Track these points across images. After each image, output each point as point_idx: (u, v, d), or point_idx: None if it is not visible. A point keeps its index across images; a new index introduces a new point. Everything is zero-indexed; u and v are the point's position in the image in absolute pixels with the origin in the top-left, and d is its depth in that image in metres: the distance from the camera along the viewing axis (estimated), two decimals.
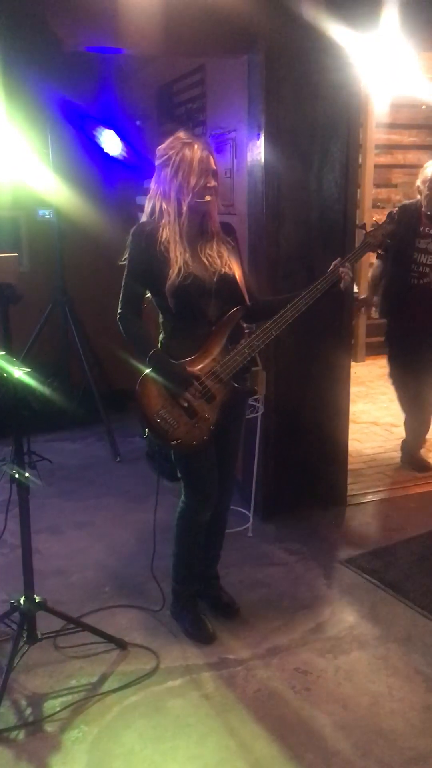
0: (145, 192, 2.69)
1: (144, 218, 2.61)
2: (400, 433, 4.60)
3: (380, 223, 2.82)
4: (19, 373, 2.33)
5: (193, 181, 2.47)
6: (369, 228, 2.81)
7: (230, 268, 2.58)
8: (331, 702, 2.47)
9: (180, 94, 4.49)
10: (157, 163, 2.56)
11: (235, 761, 2.21)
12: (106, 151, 4.73)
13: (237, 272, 2.60)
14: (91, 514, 3.91)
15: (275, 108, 3.40)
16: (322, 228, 3.60)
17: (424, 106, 6.89)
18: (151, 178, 2.60)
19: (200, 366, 2.57)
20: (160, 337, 2.68)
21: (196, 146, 2.49)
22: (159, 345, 2.65)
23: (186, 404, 2.55)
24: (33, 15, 3.10)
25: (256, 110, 3.46)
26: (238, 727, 2.35)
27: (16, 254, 2.50)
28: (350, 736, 2.32)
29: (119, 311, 2.62)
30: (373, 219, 2.88)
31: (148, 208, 2.60)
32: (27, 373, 2.33)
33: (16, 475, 2.43)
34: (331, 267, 2.68)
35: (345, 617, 2.96)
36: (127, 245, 2.58)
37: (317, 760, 2.22)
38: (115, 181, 5.20)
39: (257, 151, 3.47)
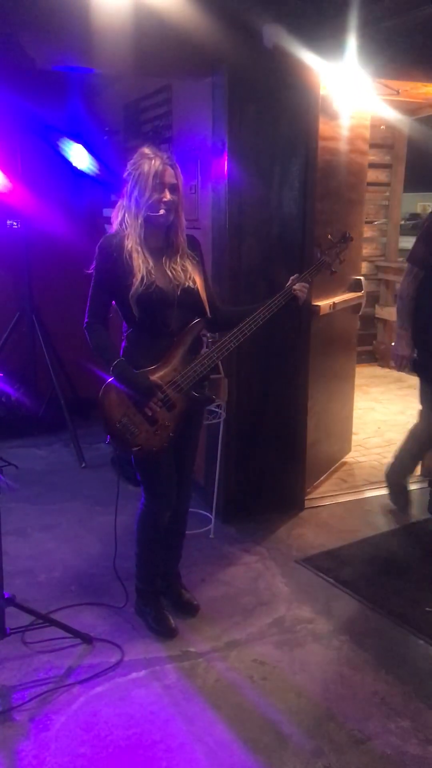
0: (112, 204, 2.82)
1: (114, 227, 2.72)
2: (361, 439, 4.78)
3: (334, 241, 2.98)
4: None
5: (147, 194, 2.58)
6: (324, 246, 2.97)
7: (193, 282, 2.70)
8: (287, 690, 2.62)
9: (147, 111, 4.64)
10: (124, 176, 2.69)
11: (196, 744, 2.34)
12: (74, 164, 4.85)
13: (200, 286, 2.72)
14: (57, 518, 4.01)
15: (238, 128, 3.57)
16: (281, 243, 3.77)
17: (382, 126, 7.17)
18: (117, 190, 2.73)
19: (161, 375, 2.68)
20: (123, 345, 2.78)
21: (154, 161, 2.59)
22: (122, 353, 2.75)
23: (149, 413, 2.67)
24: (5, 33, 3.23)
25: (220, 129, 3.62)
26: (199, 713, 2.49)
27: None
28: (304, 720, 2.47)
29: (86, 321, 2.72)
30: (328, 237, 3.03)
31: (116, 218, 2.71)
32: (0, 379, 2.44)
33: None
34: (288, 283, 2.84)
35: (301, 613, 3.11)
36: (95, 256, 2.69)
37: (273, 742, 2.36)
38: (82, 193, 5.33)
39: (221, 168, 3.64)
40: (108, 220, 2.82)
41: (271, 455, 4.01)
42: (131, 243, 2.62)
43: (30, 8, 3.02)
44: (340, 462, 4.81)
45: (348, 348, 4.74)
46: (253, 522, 3.93)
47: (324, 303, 4.03)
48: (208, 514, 3.88)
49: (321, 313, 3.97)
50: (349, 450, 4.96)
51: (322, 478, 4.49)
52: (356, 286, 4.55)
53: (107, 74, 4.56)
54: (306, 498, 4.18)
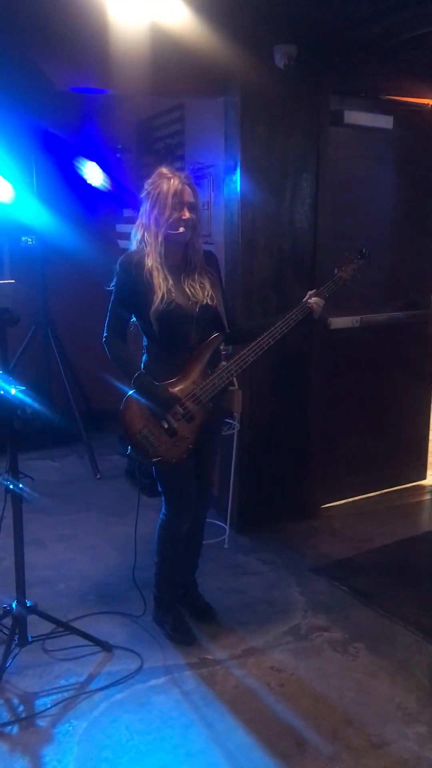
0: (125, 220, 2.89)
1: (132, 246, 2.79)
2: None
3: (350, 257, 3.04)
4: (15, 390, 2.51)
5: (166, 213, 2.65)
6: (340, 262, 3.03)
7: (212, 299, 2.76)
8: (304, 696, 2.66)
9: (159, 129, 4.73)
10: (141, 195, 2.77)
11: (216, 749, 2.39)
12: (87, 181, 4.94)
13: (218, 302, 2.79)
14: (74, 528, 4.07)
15: (250, 145, 3.66)
16: (293, 257, 3.85)
17: None
18: (130, 207, 2.80)
19: (181, 388, 2.75)
20: (143, 359, 2.85)
21: (173, 180, 2.66)
22: (142, 367, 2.82)
23: (167, 425, 2.74)
24: (25, 57, 3.33)
25: (233, 147, 3.70)
26: (218, 719, 2.53)
27: (13, 281, 2.68)
28: (321, 726, 2.51)
29: (105, 335, 2.79)
30: (345, 254, 3.09)
31: (134, 237, 2.78)
32: (22, 391, 2.51)
33: (11, 486, 2.60)
34: (305, 298, 2.90)
35: (316, 621, 3.15)
36: (115, 273, 2.76)
37: (290, 747, 2.41)
38: (96, 209, 5.42)
39: (233, 185, 3.72)
40: (121, 236, 2.88)
41: (284, 464, 4.07)
42: (151, 261, 2.68)
43: (49, 33, 3.12)
44: (413, 484, 4.71)
45: (404, 367, 4.53)
46: (268, 532, 3.98)
47: (340, 319, 4.07)
48: (222, 524, 3.93)
49: (331, 327, 4.02)
50: (424, 475, 4.78)
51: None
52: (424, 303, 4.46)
53: (121, 94, 4.65)
54: (320, 507, 4.23)
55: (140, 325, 2.78)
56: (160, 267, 2.68)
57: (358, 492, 4.47)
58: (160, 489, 2.94)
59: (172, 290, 2.68)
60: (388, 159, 4.16)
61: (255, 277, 3.78)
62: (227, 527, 3.90)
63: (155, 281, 2.66)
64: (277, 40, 3.51)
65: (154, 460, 2.76)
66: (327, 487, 4.30)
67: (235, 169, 3.68)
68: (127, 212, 5.00)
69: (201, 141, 4.13)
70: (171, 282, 2.69)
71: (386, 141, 4.11)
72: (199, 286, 2.75)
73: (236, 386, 3.60)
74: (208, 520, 3.25)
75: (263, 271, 3.79)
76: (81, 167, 4.94)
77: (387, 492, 4.44)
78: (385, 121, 4.04)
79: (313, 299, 2.88)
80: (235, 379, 3.52)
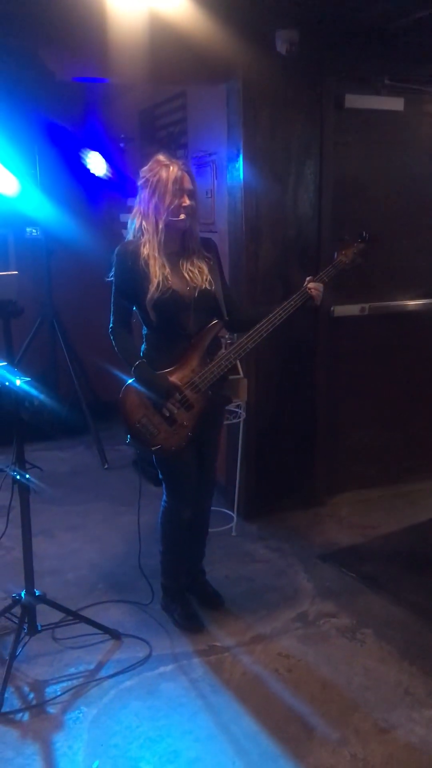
0: (129, 210, 2.88)
1: (129, 236, 2.79)
2: None
3: (351, 241, 3.03)
4: (20, 382, 2.53)
5: (167, 200, 2.64)
6: (340, 246, 3.02)
7: (210, 284, 2.76)
8: (312, 682, 2.68)
9: (162, 117, 4.72)
10: (138, 184, 2.75)
11: (224, 735, 2.41)
12: (91, 171, 4.93)
13: (216, 288, 2.79)
14: (82, 518, 4.09)
15: (253, 132, 3.64)
16: (297, 245, 3.83)
17: None
18: (134, 196, 2.80)
19: (179, 376, 2.75)
20: (143, 348, 2.86)
21: (172, 167, 2.66)
22: (141, 355, 2.82)
23: (167, 413, 2.74)
24: (25, 48, 3.32)
25: (235, 134, 3.69)
26: (226, 706, 2.55)
27: (16, 272, 2.69)
28: (329, 711, 2.52)
29: (110, 326, 2.81)
30: (345, 237, 3.07)
31: (131, 226, 2.78)
32: (28, 382, 2.52)
33: (17, 476, 2.62)
34: (304, 284, 2.90)
35: (324, 607, 3.17)
36: (113, 264, 2.76)
37: (299, 732, 2.42)
38: (100, 199, 5.42)
39: (236, 172, 3.70)
40: (125, 226, 2.88)
41: (290, 452, 4.07)
42: (148, 249, 2.68)
43: (50, 24, 3.10)
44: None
45: (417, 357, 4.42)
46: (275, 519, 3.99)
47: (344, 307, 4.05)
48: (230, 512, 3.94)
49: (335, 315, 4.01)
50: None
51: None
52: None
53: (122, 82, 4.64)
54: (327, 494, 4.23)
55: (139, 314, 2.79)
56: (157, 255, 2.67)
57: (368, 484, 4.42)
58: (160, 477, 2.95)
59: (169, 277, 2.68)
60: (398, 142, 4.08)
61: (259, 265, 3.77)
62: (234, 515, 3.92)
63: (151, 270, 2.66)
64: (278, 25, 3.49)
65: (154, 448, 2.77)
66: (334, 476, 4.29)
67: (238, 157, 3.67)
68: (131, 202, 4.99)
69: (204, 129, 4.11)
70: (168, 269, 2.69)
71: (396, 123, 4.03)
72: (198, 271, 2.75)
73: (241, 375, 3.63)
74: (215, 508, 3.27)
75: (267, 259, 3.78)
76: (84, 158, 4.94)
77: (398, 484, 4.42)
78: (395, 103, 3.98)
79: (312, 284, 2.87)
80: (240, 367, 3.55)
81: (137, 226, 2.74)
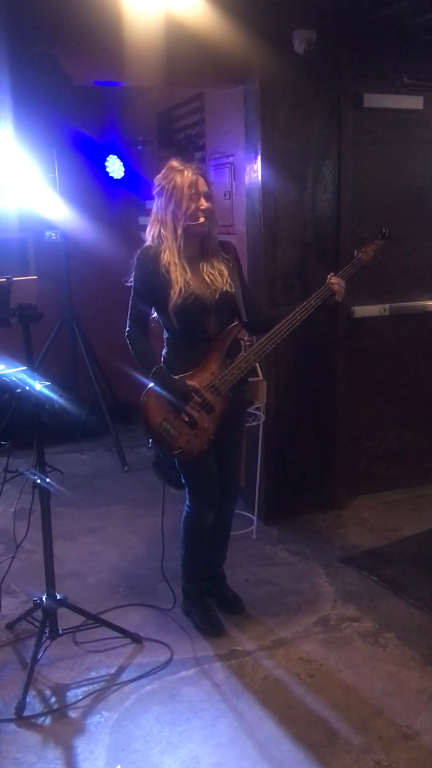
0: (147, 212, 2.89)
1: (148, 242, 2.79)
2: None
3: (371, 238, 3.01)
4: (40, 386, 2.53)
5: (184, 205, 2.64)
6: (360, 243, 3.00)
7: (230, 286, 2.76)
8: (334, 687, 2.65)
9: (179, 120, 4.72)
10: (153, 192, 2.75)
11: (246, 740, 2.39)
12: (109, 174, 4.95)
13: (236, 290, 2.78)
14: (102, 521, 4.10)
15: (270, 133, 3.62)
16: (316, 245, 3.81)
17: None
18: (153, 199, 2.80)
19: (199, 379, 2.74)
20: (164, 352, 2.86)
21: (186, 172, 2.65)
22: (162, 360, 2.83)
23: (186, 417, 2.73)
24: (43, 53, 3.33)
25: (253, 135, 3.67)
26: (248, 710, 2.53)
27: (35, 277, 2.70)
28: (352, 716, 2.50)
29: (127, 330, 2.81)
30: (365, 234, 3.05)
31: (149, 233, 2.78)
32: (47, 386, 2.52)
33: (38, 480, 2.62)
34: (327, 280, 2.88)
35: (346, 611, 3.14)
36: (132, 268, 2.76)
37: (321, 737, 2.40)
38: (118, 202, 5.43)
39: (254, 174, 3.69)
40: (144, 228, 2.89)
41: (311, 455, 4.05)
42: (168, 256, 2.68)
43: (67, 28, 3.12)
44: None
45: None
46: (295, 522, 3.97)
47: (364, 307, 4.02)
48: (250, 515, 3.92)
49: (355, 316, 3.98)
50: None
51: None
52: None
53: (139, 85, 4.64)
54: (348, 496, 4.20)
55: (160, 318, 2.79)
56: (177, 261, 2.67)
57: (390, 486, 4.36)
58: (183, 481, 2.94)
59: (190, 282, 2.67)
60: (418, 140, 4.03)
61: (278, 266, 3.75)
62: (255, 518, 3.90)
63: (172, 276, 2.66)
64: (295, 25, 3.47)
65: (176, 452, 2.76)
66: (355, 478, 4.25)
67: (256, 158, 3.65)
68: (150, 204, 5.00)
69: (221, 130, 4.10)
70: (189, 274, 2.68)
71: (415, 122, 3.99)
72: (218, 273, 2.75)
73: (261, 377, 3.61)
74: (235, 511, 3.25)
75: (286, 260, 3.76)
76: (103, 161, 4.96)
77: (420, 486, 4.37)
78: (414, 102, 3.95)
79: (335, 279, 2.85)
80: (259, 369, 3.54)
81: (155, 233, 2.74)
